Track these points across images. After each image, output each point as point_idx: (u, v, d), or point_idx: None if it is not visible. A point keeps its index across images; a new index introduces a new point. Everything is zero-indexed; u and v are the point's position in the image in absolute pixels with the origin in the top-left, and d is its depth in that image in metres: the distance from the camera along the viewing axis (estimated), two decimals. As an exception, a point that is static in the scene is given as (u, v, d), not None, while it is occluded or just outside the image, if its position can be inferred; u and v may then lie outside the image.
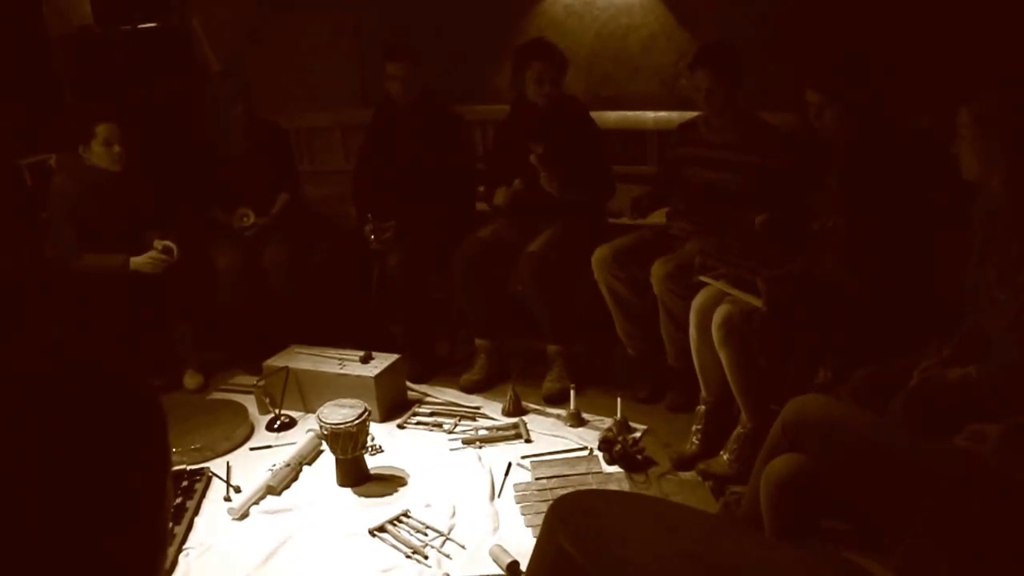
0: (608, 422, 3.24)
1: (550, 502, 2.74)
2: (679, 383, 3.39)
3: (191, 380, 3.85)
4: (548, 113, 3.63)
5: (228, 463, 3.16)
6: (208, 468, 3.11)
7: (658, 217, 3.62)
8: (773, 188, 3.20)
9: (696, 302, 3.02)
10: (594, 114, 3.85)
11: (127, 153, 3.53)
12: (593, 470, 3.01)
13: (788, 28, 3.83)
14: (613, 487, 2.90)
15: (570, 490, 2.84)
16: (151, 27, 4.54)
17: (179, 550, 2.67)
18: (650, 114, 4.25)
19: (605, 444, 3.09)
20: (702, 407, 3.14)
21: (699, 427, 3.12)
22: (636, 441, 3.13)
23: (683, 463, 3.05)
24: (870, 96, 2.86)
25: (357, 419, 2.92)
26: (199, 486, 2.99)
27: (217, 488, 3.02)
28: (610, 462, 3.05)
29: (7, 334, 0.74)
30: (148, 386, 0.80)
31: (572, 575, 1.26)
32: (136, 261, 3.52)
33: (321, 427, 2.95)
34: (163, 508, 0.80)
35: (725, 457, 2.97)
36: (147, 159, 3.81)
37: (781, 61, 3.78)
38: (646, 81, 4.30)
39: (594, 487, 2.89)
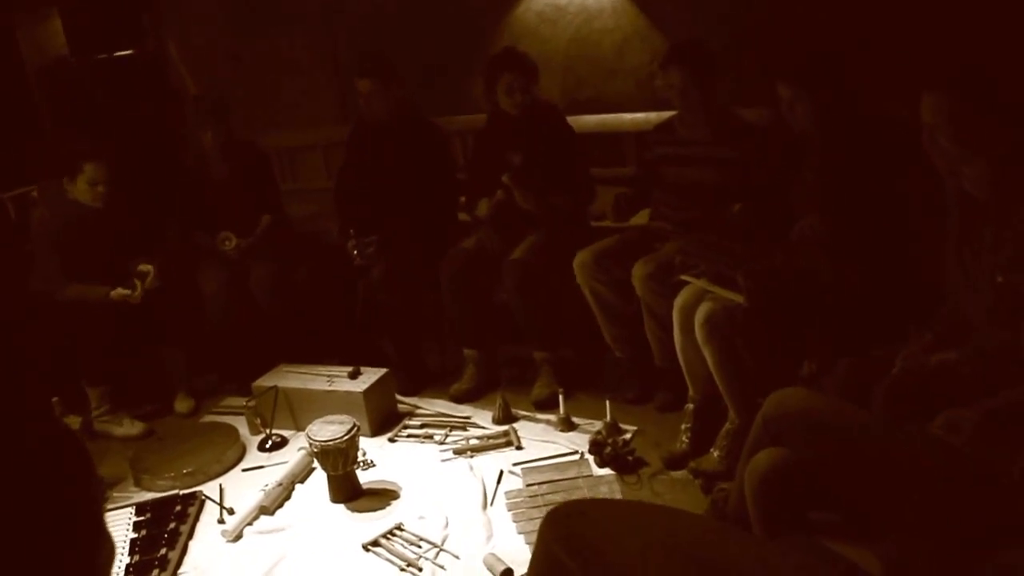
0: (598, 425, 3.24)
1: (541, 507, 2.79)
2: (667, 383, 3.39)
3: (182, 404, 3.86)
4: (523, 122, 3.64)
5: (221, 485, 3.16)
6: (201, 492, 3.12)
7: (640, 218, 3.63)
8: (750, 181, 3.21)
9: (678, 301, 3.02)
10: (572, 118, 3.86)
11: (110, 190, 3.52)
12: (584, 473, 3.01)
13: (759, 23, 3.85)
14: (604, 489, 2.90)
15: (561, 495, 2.87)
16: (126, 55, 4.56)
17: (174, 575, 2.68)
18: (627, 116, 4.27)
19: (595, 447, 3.09)
20: (690, 405, 3.15)
21: (688, 426, 3.13)
22: (627, 442, 3.13)
23: (674, 462, 3.05)
24: (841, 88, 2.87)
25: (346, 435, 2.92)
26: (192, 510, 2.99)
27: (211, 511, 3.02)
28: (601, 464, 3.05)
29: None
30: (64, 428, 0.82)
31: None
32: (117, 292, 3.51)
33: (311, 445, 2.95)
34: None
35: (715, 454, 2.97)
36: (129, 187, 3.81)
37: (754, 56, 3.80)
38: (622, 83, 4.31)
39: (585, 490, 2.90)
